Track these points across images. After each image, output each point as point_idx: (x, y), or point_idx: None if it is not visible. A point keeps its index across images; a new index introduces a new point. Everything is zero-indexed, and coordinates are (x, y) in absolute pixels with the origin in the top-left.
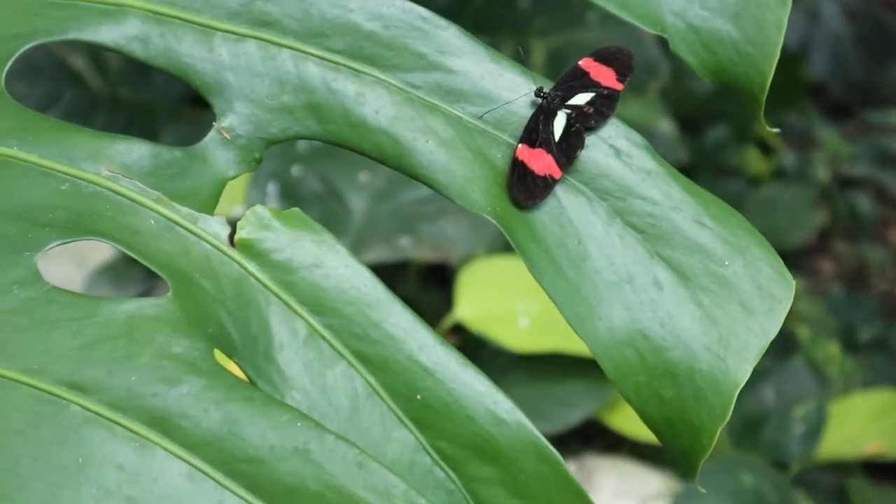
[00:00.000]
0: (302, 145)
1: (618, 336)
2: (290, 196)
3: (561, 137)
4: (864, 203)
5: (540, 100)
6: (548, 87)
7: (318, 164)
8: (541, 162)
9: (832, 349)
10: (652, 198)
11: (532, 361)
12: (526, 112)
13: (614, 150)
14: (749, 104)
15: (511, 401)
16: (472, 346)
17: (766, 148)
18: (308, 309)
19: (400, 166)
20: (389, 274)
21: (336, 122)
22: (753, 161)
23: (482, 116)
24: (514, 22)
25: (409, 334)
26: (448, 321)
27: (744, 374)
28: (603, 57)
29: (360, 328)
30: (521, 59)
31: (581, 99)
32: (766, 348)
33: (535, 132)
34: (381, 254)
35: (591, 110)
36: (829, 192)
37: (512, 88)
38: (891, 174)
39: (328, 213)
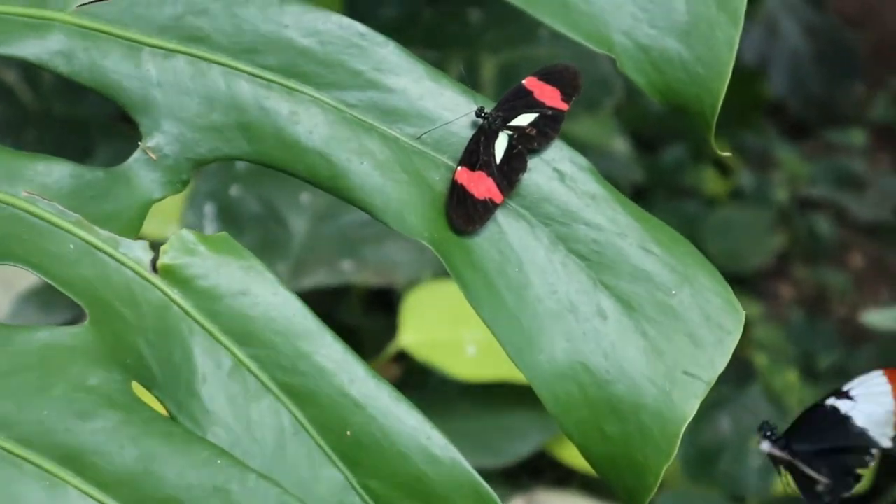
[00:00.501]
0: (241, 164)
1: (559, 368)
2: (229, 217)
3: (502, 160)
4: (823, 225)
5: (481, 120)
6: (490, 106)
7: (258, 184)
8: (481, 185)
9: (791, 377)
10: (597, 223)
11: (479, 391)
12: (466, 133)
13: (558, 173)
14: (700, 126)
15: (445, 437)
16: (416, 374)
17: (723, 168)
18: (233, 339)
19: (334, 188)
20: (331, 299)
21: (268, 142)
22: (711, 181)
23: (420, 137)
24: (464, 37)
25: (340, 366)
26: (392, 348)
27: (691, 409)
28: (548, 76)
29: (289, 360)
30: (464, 78)
31: (524, 119)
32: (713, 382)
33: (475, 154)
34: (322, 278)
35: (534, 131)
36: (788, 214)
37: (452, 108)
38: (851, 196)
39: (268, 236)
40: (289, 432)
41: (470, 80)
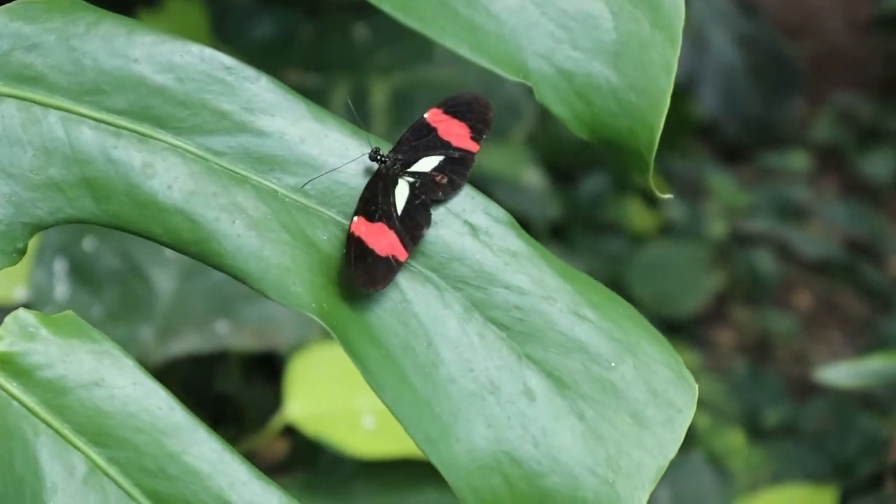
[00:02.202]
0: None
1: (480, 460)
2: (83, 275)
3: (403, 211)
4: (765, 262)
5: (376, 165)
6: (386, 148)
7: (116, 235)
8: (382, 239)
9: (735, 439)
10: (518, 286)
11: (380, 468)
12: (358, 181)
13: (470, 227)
14: (635, 165)
15: None
16: (306, 451)
17: (650, 199)
18: (88, 439)
19: (200, 254)
20: (205, 367)
21: (118, 200)
22: (637, 215)
23: (303, 188)
24: (350, 57)
25: (217, 467)
26: (277, 422)
27: (638, 501)
28: (454, 108)
29: (154, 462)
30: (352, 112)
31: (427, 164)
32: (664, 469)
33: (372, 203)
34: (193, 342)
35: (441, 178)
36: (725, 250)
37: (340, 152)
38: (794, 228)
39: (129, 295)
40: None
41: (358, 109)
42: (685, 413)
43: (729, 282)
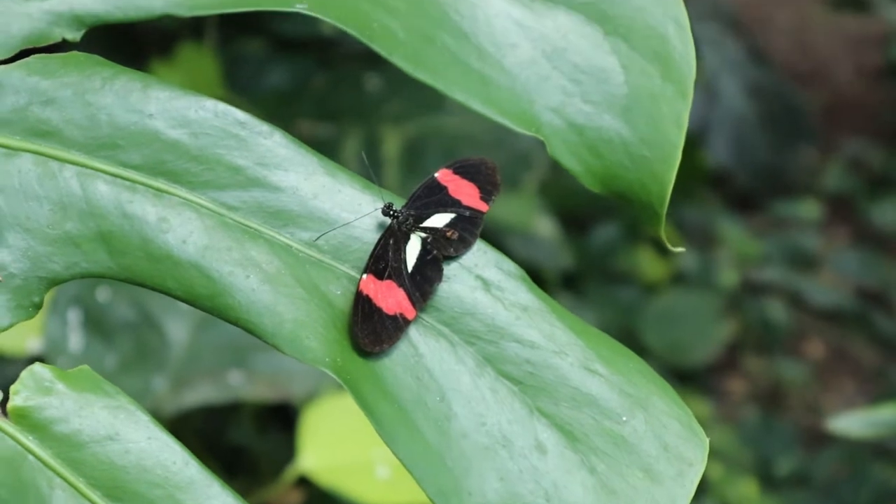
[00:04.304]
0: None
1: None
2: (97, 325)
3: (415, 267)
4: (777, 311)
5: (388, 220)
6: (399, 203)
7: (130, 286)
8: (390, 298)
9: (748, 488)
10: (530, 340)
11: None
12: (371, 236)
13: (482, 281)
14: (647, 218)
15: None
16: (320, 502)
17: (662, 248)
18: (103, 493)
19: (214, 308)
20: (219, 418)
21: (133, 254)
22: (648, 264)
23: (316, 242)
24: (363, 107)
25: None
26: (291, 473)
27: None
28: (463, 170)
29: None
30: (366, 165)
31: (439, 220)
32: None
33: (382, 260)
34: (207, 393)
35: (452, 233)
36: (737, 299)
37: (353, 208)
38: (806, 277)
39: (143, 346)
40: None
41: (371, 158)
42: (696, 467)
43: (741, 331)
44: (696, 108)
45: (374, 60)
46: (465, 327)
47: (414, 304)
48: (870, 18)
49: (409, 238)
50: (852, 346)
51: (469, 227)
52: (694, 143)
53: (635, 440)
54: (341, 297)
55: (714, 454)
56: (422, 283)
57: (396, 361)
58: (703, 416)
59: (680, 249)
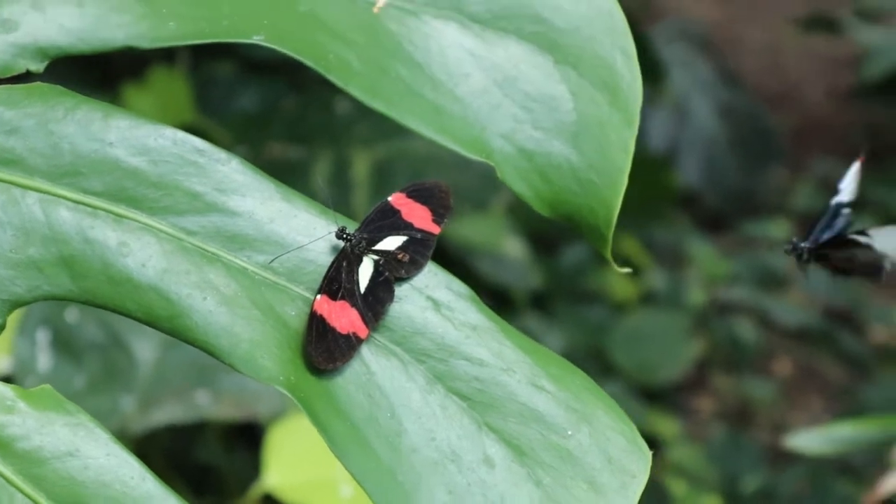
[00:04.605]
0: None
1: None
2: (65, 345)
3: (367, 288)
4: (745, 330)
5: (342, 243)
6: (352, 227)
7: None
8: (343, 318)
9: None
10: (479, 358)
11: None
12: (325, 259)
13: (432, 302)
14: (594, 240)
15: None
16: None
17: (632, 267)
18: None
19: (173, 329)
20: (186, 436)
21: (94, 278)
22: (618, 284)
23: (271, 265)
24: (332, 130)
25: None
26: (256, 491)
27: None
28: (416, 193)
29: None
30: (323, 191)
31: (391, 243)
32: None
33: (336, 281)
34: (174, 412)
35: (405, 257)
36: (705, 319)
37: (308, 232)
38: (774, 298)
39: (110, 365)
40: None
41: (340, 180)
42: (639, 479)
43: (709, 350)
44: (666, 128)
45: None
46: (416, 346)
47: (367, 323)
48: (840, 40)
49: (361, 260)
50: (820, 364)
51: (420, 250)
52: (662, 163)
53: (580, 453)
54: (296, 318)
55: (679, 471)
56: (374, 304)
57: (349, 379)
58: (671, 435)
59: (626, 270)
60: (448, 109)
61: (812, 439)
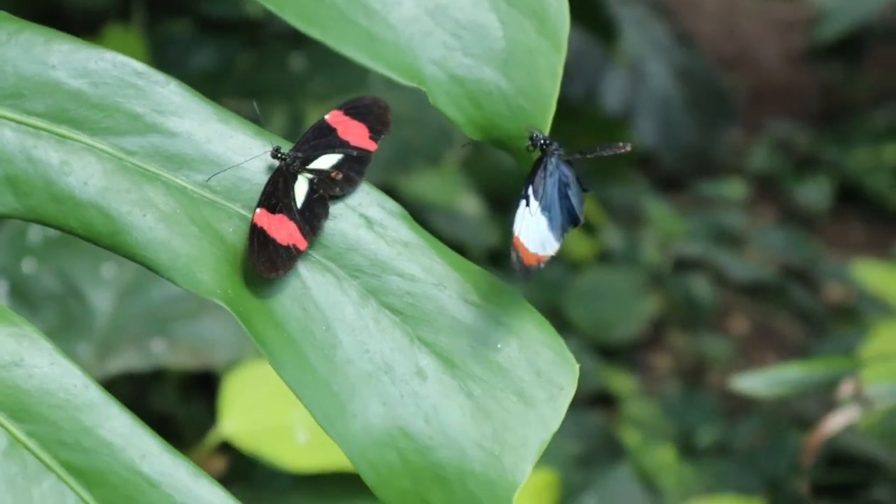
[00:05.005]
0: (34, 236)
1: (375, 435)
2: (22, 296)
3: (303, 205)
4: (701, 288)
5: (277, 163)
6: (288, 148)
7: (54, 257)
8: (282, 230)
9: (666, 456)
10: (411, 274)
11: (314, 481)
12: (261, 178)
13: (365, 219)
14: (526, 165)
15: None
16: (242, 466)
17: (588, 226)
18: (7, 415)
19: (114, 245)
20: (143, 385)
21: (38, 196)
22: (574, 242)
23: (208, 183)
24: (287, 86)
25: (129, 441)
26: (213, 438)
27: (522, 473)
28: (354, 110)
29: (70, 435)
30: (260, 118)
31: (326, 161)
32: (547, 443)
33: (274, 196)
34: (131, 360)
35: (338, 175)
36: (661, 277)
37: (244, 152)
38: (729, 254)
39: (67, 315)
40: None
41: (295, 134)
42: (567, 391)
43: (665, 307)
44: (622, 89)
45: (298, 40)
46: (350, 262)
47: (304, 236)
48: (795, 3)
49: (296, 178)
50: (775, 321)
51: (356, 167)
52: (618, 124)
53: (510, 366)
54: (233, 235)
55: (634, 424)
56: (311, 219)
57: (285, 293)
58: (628, 391)
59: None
60: (381, 36)
61: (760, 381)
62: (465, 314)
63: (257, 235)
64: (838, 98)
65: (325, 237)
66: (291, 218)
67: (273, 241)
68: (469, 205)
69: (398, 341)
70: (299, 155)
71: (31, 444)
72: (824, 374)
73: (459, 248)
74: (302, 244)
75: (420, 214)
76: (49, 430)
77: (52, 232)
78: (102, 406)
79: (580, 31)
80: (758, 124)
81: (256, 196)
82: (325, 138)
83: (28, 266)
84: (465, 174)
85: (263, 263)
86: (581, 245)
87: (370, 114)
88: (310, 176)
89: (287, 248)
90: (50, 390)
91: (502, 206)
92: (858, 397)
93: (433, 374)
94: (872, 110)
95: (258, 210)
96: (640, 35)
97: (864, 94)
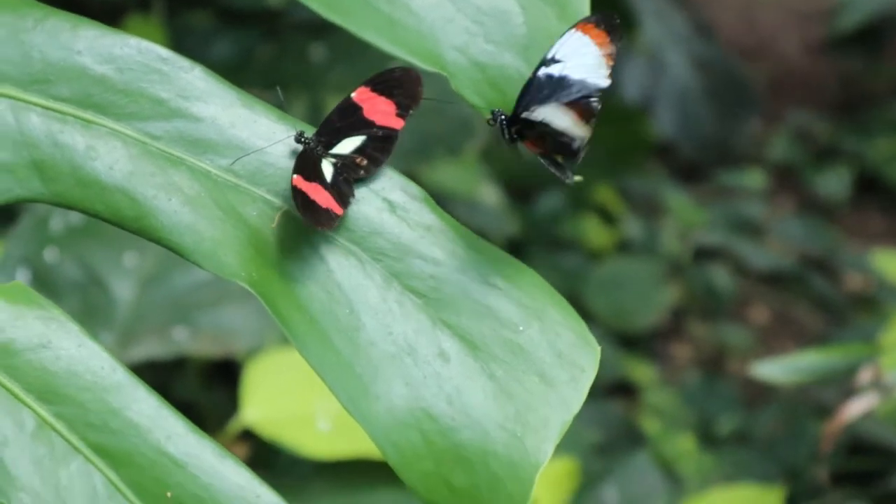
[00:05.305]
0: (56, 225)
1: (399, 417)
2: (45, 285)
3: (331, 184)
4: (721, 277)
5: (301, 147)
6: (312, 132)
7: (76, 246)
8: (319, 196)
9: (685, 444)
10: (433, 257)
11: (335, 469)
12: (286, 163)
13: (388, 203)
14: None
15: (277, 494)
16: (264, 454)
17: (608, 216)
18: (35, 397)
19: (140, 229)
20: (165, 373)
21: (64, 181)
22: (594, 232)
23: (232, 166)
24: (308, 76)
25: (155, 422)
26: (234, 426)
27: (544, 454)
28: (382, 85)
29: (98, 417)
30: (283, 104)
31: (349, 145)
32: (569, 424)
33: (306, 169)
34: (153, 348)
35: (362, 160)
36: (681, 266)
37: (268, 136)
38: (749, 244)
39: (89, 303)
40: (102, 496)
41: (315, 124)
42: (588, 373)
43: (685, 297)
44: (642, 80)
45: (319, 30)
46: (373, 245)
47: (340, 204)
48: None
49: (321, 162)
50: (795, 311)
51: (381, 146)
52: (640, 114)
53: (531, 348)
54: (257, 218)
55: (654, 412)
56: (339, 196)
57: (309, 276)
58: (648, 381)
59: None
60: (403, 22)
61: (778, 368)
62: (487, 297)
63: (300, 196)
64: (858, 88)
65: (349, 220)
66: (325, 188)
67: (314, 202)
68: (489, 194)
69: (421, 324)
70: (322, 139)
71: (58, 425)
72: (843, 362)
73: (480, 236)
74: (339, 210)
75: (440, 204)
76: (77, 411)
77: (74, 220)
78: (129, 388)
79: None
80: (777, 114)
81: (280, 180)
82: (350, 119)
83: (50, 255)
84: (484, 164)
85: (311, 219)
86: (601, 235)
87: (399, 87)
88: (333, 160)
89: (326, 211)
90: (77, 372)
91: (522, 196)
92: (877, 384)
93: (456, 356)
94: (892, 100)
95: (295, 175)
96: (659, 25)
97: (883, 84)
